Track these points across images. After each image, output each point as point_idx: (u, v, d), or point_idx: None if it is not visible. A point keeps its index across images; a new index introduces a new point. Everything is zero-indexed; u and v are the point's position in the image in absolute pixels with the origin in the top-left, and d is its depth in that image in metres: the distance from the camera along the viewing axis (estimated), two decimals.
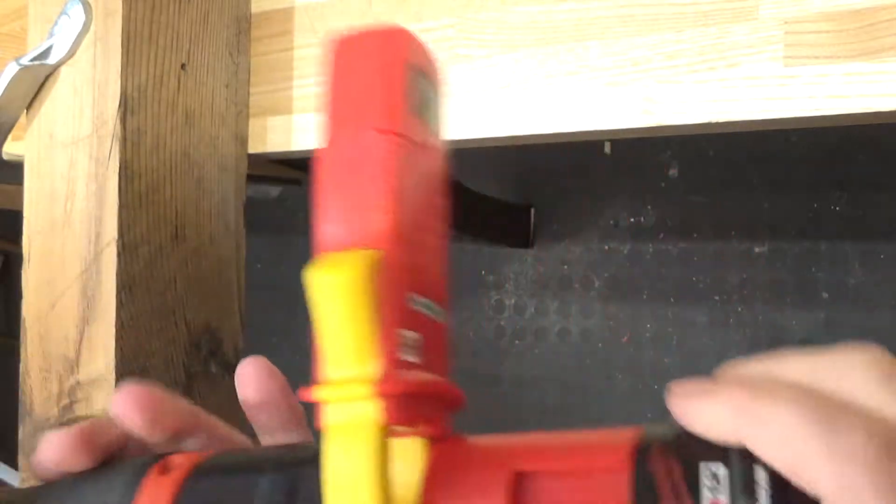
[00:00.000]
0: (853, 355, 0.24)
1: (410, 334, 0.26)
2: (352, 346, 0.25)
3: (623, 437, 0.27)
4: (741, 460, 0.24)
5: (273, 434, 0.34)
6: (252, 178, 0.65)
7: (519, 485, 0.26)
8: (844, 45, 0.44)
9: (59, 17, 0.58)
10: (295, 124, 0.62)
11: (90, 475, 0.32)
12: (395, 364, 0.25)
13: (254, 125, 0.64)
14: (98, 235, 0.56)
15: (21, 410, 0.60)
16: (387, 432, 0.25)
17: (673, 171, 1.34)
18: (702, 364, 1.31)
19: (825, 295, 1.22)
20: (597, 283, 1.40)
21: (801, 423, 0.23)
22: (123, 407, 0.31)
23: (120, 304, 0.55)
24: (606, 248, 1.39)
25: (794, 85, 0.46)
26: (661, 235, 1.35)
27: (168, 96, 0.58)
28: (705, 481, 0.24)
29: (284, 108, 0.63)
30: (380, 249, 0.25)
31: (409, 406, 0.26)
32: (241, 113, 0.64)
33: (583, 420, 1.40)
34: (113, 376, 0.55)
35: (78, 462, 0.32)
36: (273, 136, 0.64)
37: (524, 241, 1.45)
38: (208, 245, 0.61)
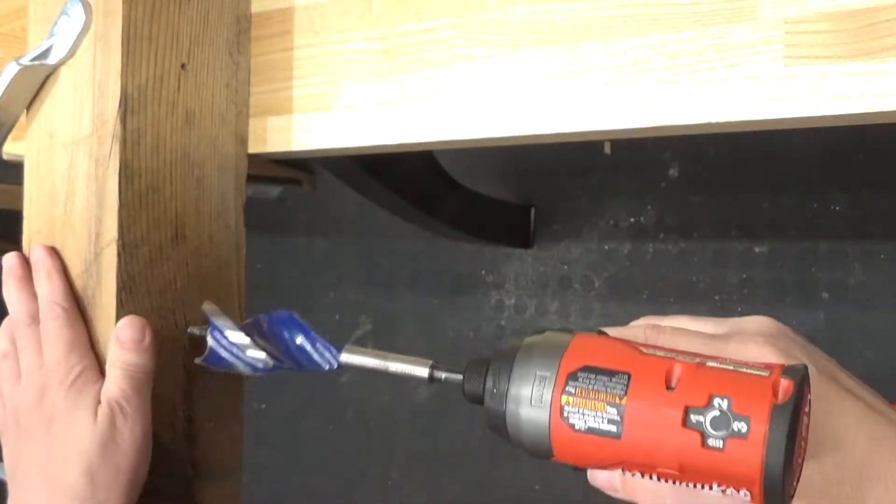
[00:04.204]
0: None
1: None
2: None
3: None
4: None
5: None
6: (252, 178, 0.65)
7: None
8: (844, 45, 0.44)
9: (59, 17, 0.58)
10: (295, 124, 0.62)
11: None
12: None
13: (254, 125, 0.64)
14: (98, 235, 0.56)
15: None
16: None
17: (673, 171, 1.34)
18: None
19: (825, 295, 1.22)
20: (597, 284, 1.40)
21: None
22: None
23: (120, 304, 0.55)
24: (606, 248, 1.39)
25: (794, 85, 0.46)
26: (661, 235, 1.35)
27: (168, 96, 0.58)
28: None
29: (284, 108, 0.63)
30: None
31: None
32: (241, 113, 0.64)
33: None
34: None
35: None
36: (273, 136, 0.63)
37: (524, 241, 1.45)
38: (208, 245, 0.61)
